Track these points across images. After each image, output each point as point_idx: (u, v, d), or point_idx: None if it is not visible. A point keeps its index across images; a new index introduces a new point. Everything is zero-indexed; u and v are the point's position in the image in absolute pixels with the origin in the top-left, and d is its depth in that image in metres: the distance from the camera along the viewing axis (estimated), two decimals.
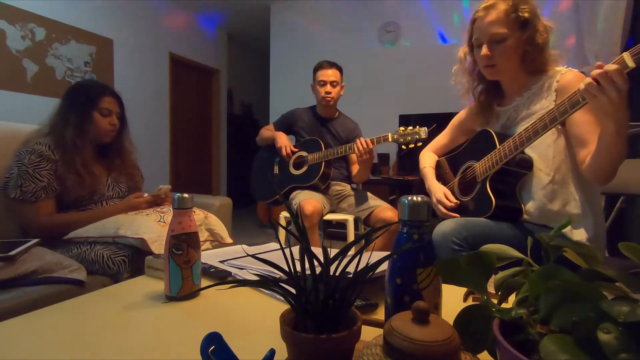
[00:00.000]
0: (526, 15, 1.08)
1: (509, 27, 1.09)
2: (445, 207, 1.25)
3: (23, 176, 1.21)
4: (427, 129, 1.67)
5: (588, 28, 2.51)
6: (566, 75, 1.08)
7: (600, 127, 0.92)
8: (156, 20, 4.32)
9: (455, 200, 1.26)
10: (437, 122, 1.73)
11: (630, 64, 0.80)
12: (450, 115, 1.49)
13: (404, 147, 1.71)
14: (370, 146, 1.77)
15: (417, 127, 1.69)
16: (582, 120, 1.02)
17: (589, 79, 0.85)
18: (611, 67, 0.81)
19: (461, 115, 1.42)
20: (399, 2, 3.73)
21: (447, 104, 3.16)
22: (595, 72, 0.83)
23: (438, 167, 1.44)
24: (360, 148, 1.76)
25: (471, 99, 1.34)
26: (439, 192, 1.29)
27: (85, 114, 1.33)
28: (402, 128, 1.72)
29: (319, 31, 4.17)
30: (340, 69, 2.10)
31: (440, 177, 1.40)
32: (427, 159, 1.46)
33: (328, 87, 2.05)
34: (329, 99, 2.05)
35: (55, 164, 1.26)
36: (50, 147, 1.27)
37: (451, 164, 1.42)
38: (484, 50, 1.12)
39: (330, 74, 2.05)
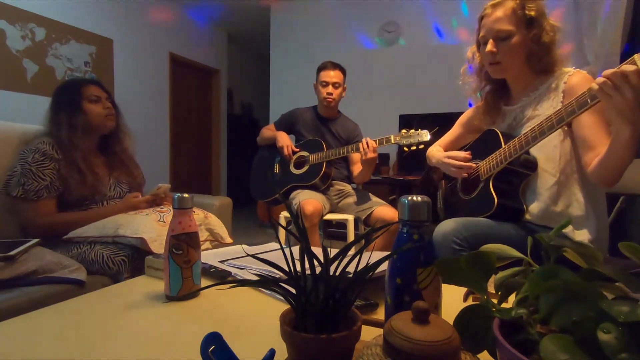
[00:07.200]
0: (532, 13, 1.08)
1: (515, 25, 1.09)
2: (457, 159, 1.25)
3: (26, 174, 1.21)
4: (430, 131, 1.67)
5: (588, 28, 2.51)
6: (574, 77, 1.07)
7: (613, 131, 0.89)
8: (156, 20, 4.32)
9: (467, 155, 1.24)
10: (437, 121, 1.74)
11: None
12: (451, 115, 1.49)
13: (405, 149, 1.71)
14: (375, 146, 1.77)
15: (419, 129, 1.69)
16: (589, 123, 1.01)
17: (602, 78, 0.82)
18: (628, 67, 0.79)
19: (468, 113, 1.42)
20: (398, 2, 3.73)
21: (448, 104, 3.17)
22: (609, 71, 0.80)
23: None
24: (365, 148, 1.76)
25: (475, 100, 1.33)
26: (448, 154, 1.30)
27: (74, 108, 1.33)
28: (404, 130, 1.72)
29: (319, 31, 4.17)
30: (343, 71, 2.11)
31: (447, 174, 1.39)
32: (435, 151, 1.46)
33: (330, 89, 2.05)
34: (330, 99, 2.06)
35: (58, 163, 1.26)
36: (54, 146, 1.27)
37: None
38: (489, 46, 1.12)
39: (333, 75, 2.05)
